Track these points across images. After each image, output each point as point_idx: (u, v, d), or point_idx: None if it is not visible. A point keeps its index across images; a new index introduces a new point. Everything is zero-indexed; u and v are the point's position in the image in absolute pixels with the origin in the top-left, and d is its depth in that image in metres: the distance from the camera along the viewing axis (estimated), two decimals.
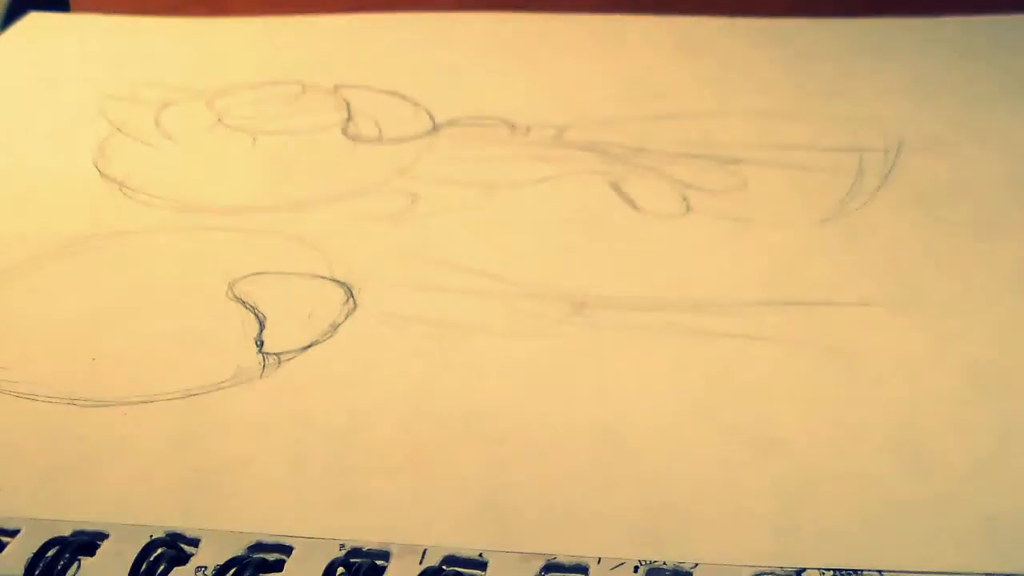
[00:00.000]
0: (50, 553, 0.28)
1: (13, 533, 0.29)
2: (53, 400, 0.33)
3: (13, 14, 0.56)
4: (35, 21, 0.55)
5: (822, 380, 0.32)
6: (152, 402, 0.33)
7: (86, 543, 0.28)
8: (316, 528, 0.29)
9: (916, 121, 0.44)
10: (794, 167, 0.42)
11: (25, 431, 0.32)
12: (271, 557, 0.28)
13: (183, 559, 0.28)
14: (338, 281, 0.37)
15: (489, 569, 0.27)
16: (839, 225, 0.39)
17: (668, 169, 0.42)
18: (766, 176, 0.41)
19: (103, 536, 0.28)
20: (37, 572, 0.28)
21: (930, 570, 0.27)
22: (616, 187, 0.41)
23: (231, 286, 0.37)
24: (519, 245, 0.39)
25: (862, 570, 0.27)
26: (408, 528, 0.28)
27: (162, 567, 0.28)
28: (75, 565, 0.28)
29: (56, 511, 0.29)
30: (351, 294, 0.37)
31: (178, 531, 0.28)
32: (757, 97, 0.46)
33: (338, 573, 0.27)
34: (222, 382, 0.33)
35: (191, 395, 0.33)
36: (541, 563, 0.27)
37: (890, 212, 0.39)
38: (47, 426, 0.32)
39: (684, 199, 0.40)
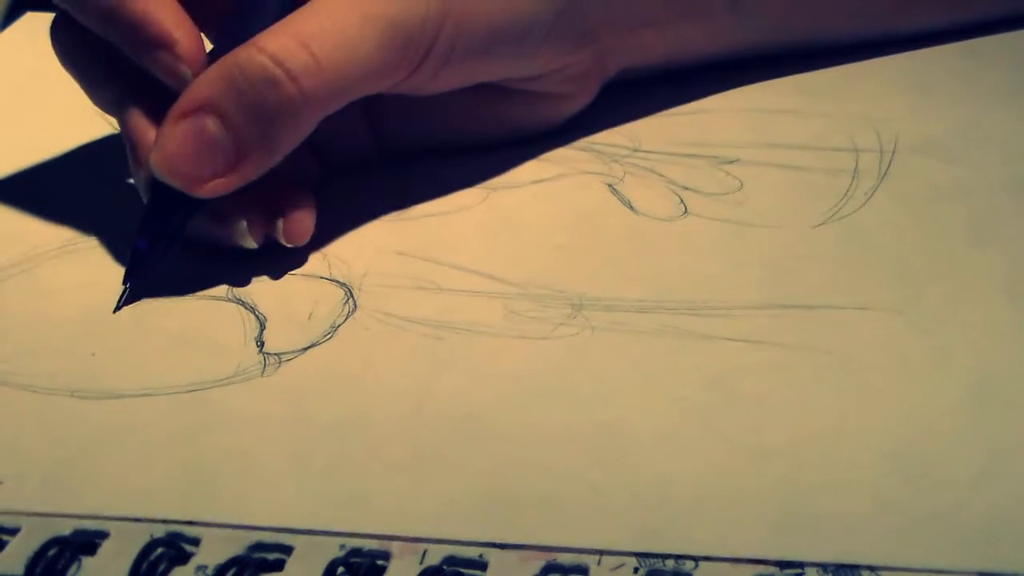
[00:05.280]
0: (51, 552, 0.28)
1: (13, 532, 0.29)
2: (54, 392, 0.33)
3: (12, 14, 0.56)
4: (34, 21, 0.55)
5: (819, 382, 0.33)
6: (153, 395, 0.33)
7: (86, 542, 0.28)
8: (316, 522, 0.29)
9: (913, 122, 0.44)
10: (791, 168, 0.42)
11: (26, 422, 0.32)
12: (271, 557, 0.28)
13: (183, 558, 0.28)
14: (337, 281, 0.37)
15: (489, 569, 0.27)
16: (836, 227, 0.39)
17: (665, 170, 0.42)
18: (763, 177, 0.41)
19: (104, 535, 0.29)
20: (38, 571, 0.28)
21: (928, 567, 0.27)
22: (614, 189, 0.41)
23: (231, 287, 0.37)
24: (518, 246, 0.39)
25: (861, 566, 0.27)
26: (408, 526, 0.29)
27: (162, 566, 0.28)
28: (75, 564, 0.28)
29: (56, 502, 0.29)
30: (351, 294, 0.37)
31: (178, 530, 0.29)
32: (754, 96, 0.46)
33: (338, 573, 0.28)
34: (223, 379, 0.33)
35: (192, 390, 0.33)
36: (541, 563, 0.27)
37: (887, 214, 0.39)
38: (48, 417, 0.32)
39: (681, 201, 0.40)
